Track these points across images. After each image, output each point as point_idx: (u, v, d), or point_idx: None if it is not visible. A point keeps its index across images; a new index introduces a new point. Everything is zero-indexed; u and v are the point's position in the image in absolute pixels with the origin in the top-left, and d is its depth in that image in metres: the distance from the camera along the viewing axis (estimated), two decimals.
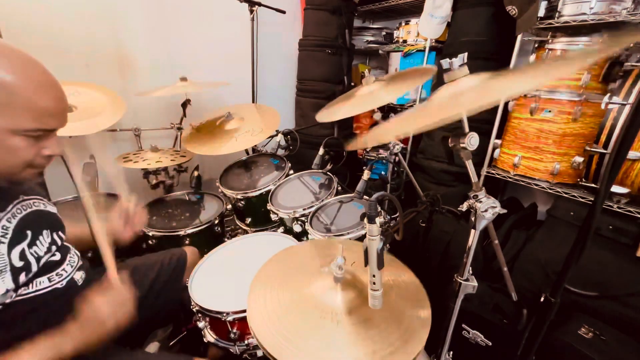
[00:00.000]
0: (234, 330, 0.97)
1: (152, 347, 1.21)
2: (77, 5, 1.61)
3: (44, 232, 0.80)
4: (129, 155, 1.63)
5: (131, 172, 1.79)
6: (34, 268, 0.75)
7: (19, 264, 0.72)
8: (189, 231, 1.42)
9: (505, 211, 0.75)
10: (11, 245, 0.71)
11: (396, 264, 0.95)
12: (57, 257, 0.84)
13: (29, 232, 0.76)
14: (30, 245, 0.75)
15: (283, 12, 2.08)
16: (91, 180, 1.43)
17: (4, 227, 0.71)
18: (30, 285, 0.75)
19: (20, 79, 0.63)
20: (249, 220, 1.65)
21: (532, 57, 1.56)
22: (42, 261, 0.78)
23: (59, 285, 0.81)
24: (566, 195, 1.45)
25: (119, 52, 1.79)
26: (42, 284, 0.78)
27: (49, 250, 0.80)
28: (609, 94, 1.30)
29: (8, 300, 0.70)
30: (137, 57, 1.85)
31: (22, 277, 0.72)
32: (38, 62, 0.68)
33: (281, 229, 1.51)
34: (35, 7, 1.50)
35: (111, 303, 0.77)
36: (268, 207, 1.47)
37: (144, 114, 1.87)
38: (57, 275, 0.81)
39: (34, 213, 0.80)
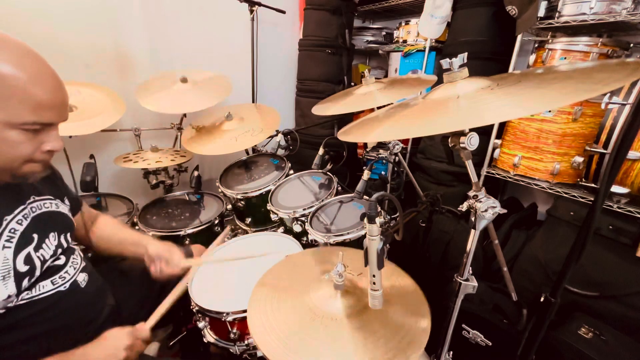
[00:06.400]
0: (234, 331, 0.97)
1: (152, 347, 1.20)
2: (76, 5, 1.60)
3: (51, 234, 0.79)
4: (129, 155, 1.63)
5: (131, 172, 1.79)
6: (38, 272, 0.74)
7: (23, 268, 0.70)
8: (189, 231, 1.42)
9: (505, 211, 0.75)
10: (17, 250, 0.70)
11: (398, 273, 0.95)
12: (62, 260, 0.83)
13: (35, 236, 0.74)
14: (36, 249, 0.74)
15: (283, 12, 2.08)
16: (91, 180, 1.43)
17: (12, 230, 0.70)
18: (34, 289, 0.75)
19: (16, 70, 0.61)
20: (249, 220, 1.65)
21: (532, 57, 1.56)
22: (46, 265, 0.77)
23: (62, 288, 0.80)
24: (566, 195, 1.45)
25: (119, 52, 1.79)
26: (46, 287, 0.77)
27: (54, 253, 0.79)
28: (609, 94, 1.30)
29: (10, 305, 0.70)
30: (137, 58, 1.85)
31: (25, 282, 0.71)
32: (35, 53, 0.66)
33: (281, 229, 1.51)
34: (34, 8, 1.50)
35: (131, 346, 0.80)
36: (268, 207, 1.47)
37: (144, 114, 1.86)
38: (60, 278, 0.81)
39: (43, 215, 0.79)
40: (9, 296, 0.68)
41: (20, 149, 0.64)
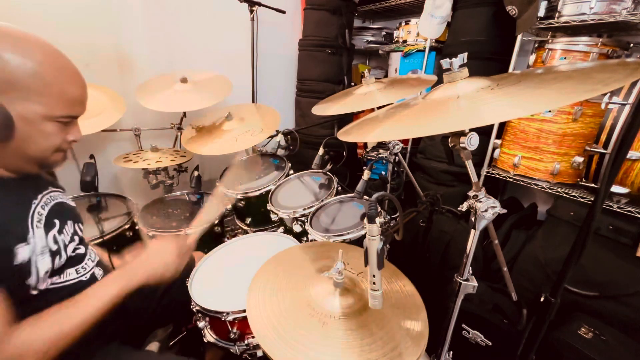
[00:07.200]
0: (234, 330, 0.97)
1: (153, 347, 1.20)
2: (77, 5, 1.60)
3: (69, 222, 0.85)
4: (129, 155, 1.63)
5: (131, 172, 1.79)
6: (64, 253, 0.79)
7: (54, 247, 0.77)
8: (189, 231, 1.42)
9: (505, 211, 0.75)
10: (46, 230, 0.76)
11: (398, 275, 0.95)
12: (82, 250, 0.88)
13: (56, 221, 0.80)
14: (59, 232, 0.80)
15: (283, 12, 2.08)
16: (91, 180, 1.42)
17: (39, 213, 0.77)
18: (62, 275, 0.80)
19: (53, 70, 0.69)
20: (249, 220, 1.65)
21: (532, 57, 1.56)
22: (69, 249, 0.82)
23: (83, 278, 0.85)
24: (566, 195, 1.45)
25: (118, 52, 1.79)
26: (71, 275, 0.82)
27: (72, 239, 0.85)
28: (609, 94, 1.30)
29: (43, 287, 0.74)
30: (137, 57, 1.85)
31: (57, 261, 0.76)
32: (64, 54, 0.74)
33: (281, 229, 1.51)
34: (34, 8, 1.50)
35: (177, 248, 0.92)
36: (268, 207, 1.47)
37: (144, 114, 1.86)
38: (82, 268, 0.86)
39: (59, 204, 0.85)
40: (47, 272, 0.74)
41: (53, 140, 0.73)
